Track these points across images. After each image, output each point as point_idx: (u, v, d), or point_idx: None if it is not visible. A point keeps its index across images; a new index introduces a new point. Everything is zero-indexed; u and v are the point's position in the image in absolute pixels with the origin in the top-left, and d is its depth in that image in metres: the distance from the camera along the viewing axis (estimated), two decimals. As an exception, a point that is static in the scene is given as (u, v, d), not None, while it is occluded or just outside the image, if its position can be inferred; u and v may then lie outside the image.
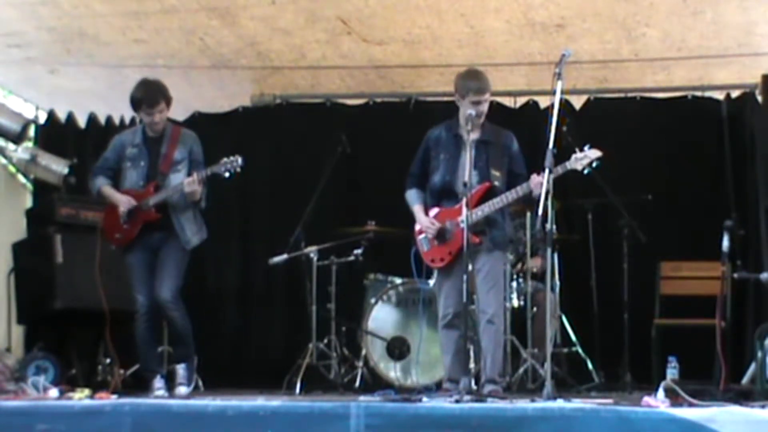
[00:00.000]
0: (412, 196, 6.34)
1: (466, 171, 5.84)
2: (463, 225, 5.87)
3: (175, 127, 6.81)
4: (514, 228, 7.62)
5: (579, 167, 5.92)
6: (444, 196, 6.19)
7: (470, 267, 5.78)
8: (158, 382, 6.54)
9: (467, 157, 5.92)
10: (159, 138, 6.69)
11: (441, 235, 6.14)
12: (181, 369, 6.59)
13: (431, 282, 6.67)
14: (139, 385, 7.02)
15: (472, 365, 6.55)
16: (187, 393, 6.49)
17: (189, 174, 6.61)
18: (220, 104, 8.62)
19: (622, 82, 8.30)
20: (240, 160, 6.51)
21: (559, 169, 5.84)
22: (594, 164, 5.93)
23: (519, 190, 6.01)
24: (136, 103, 6.61)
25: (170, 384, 6.59)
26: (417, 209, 6.29)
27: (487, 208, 6.05)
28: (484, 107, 6.11)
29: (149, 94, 6.57)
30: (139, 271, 6.61)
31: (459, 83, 6.14)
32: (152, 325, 6.69)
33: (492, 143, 6.17)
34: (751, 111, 8.06)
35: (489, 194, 6.08)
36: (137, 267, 6.62)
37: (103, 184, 6.76)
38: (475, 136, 6.08)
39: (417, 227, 6.29)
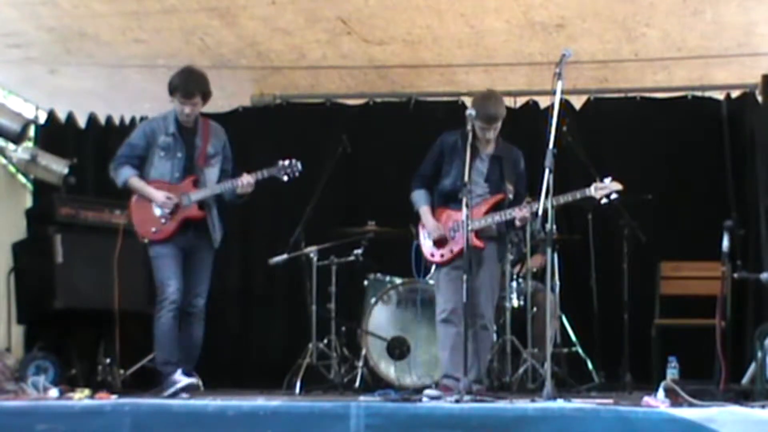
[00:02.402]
0: (420, 197, 6.41)
1: (480, 179, 6.04)
2: (469, 228, 6.01)
3: (204, 120, 6.53)
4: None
5: (597, 196, 6.11)
6: (452, 199, 6.27)
7: (470, 267, 5.83)
8: (180, 375, 6.13)
9: (479, 166, 6.16)
10: (193, 129, 6.43)
11: (444, 240, 6.27)
12: None
13: (429, 280, 6.72)
14: (139, 385, 7.02)
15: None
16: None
17: (222, 169, 6.45)
18: (220, 104, 8.57)
19: (622, 82, 8.30)
20: (299, 165, 6.40)
21: (578, 194, 6.09)
22: (612, 196, 6.10)
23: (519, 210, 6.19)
24: (172, 88, 6.31)
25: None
26: (425, 210, 6.37)
27: (496, 218, 6.19)
28: (491, 135, 6.23)
29: (186, 85, 6.29)
30: (172, 262, 6.28)
31: (473, 104, 6.23)
32: (178, 315, 6.26)
33: (505, 158, 6.33)
34: (751, 111, 8.06)
35: (500, 205, 6.24)
36: (169, 258, 6.28)
37: (130, 176, 6.38)
38: (489, 150, 6.27)
39: (421, 223, 6.39)
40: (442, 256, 6.28)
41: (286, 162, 6.41)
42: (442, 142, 6.39)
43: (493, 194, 6.26)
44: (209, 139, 6.47)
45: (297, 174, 6.43)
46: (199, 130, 6.46)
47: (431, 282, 6.85)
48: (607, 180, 6.14)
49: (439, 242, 6.28)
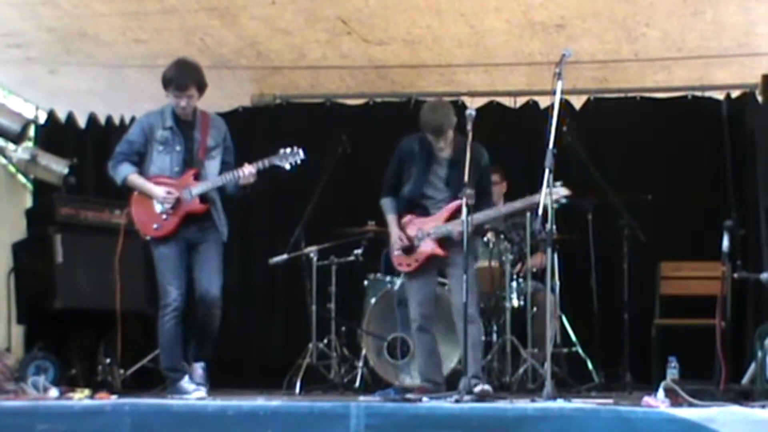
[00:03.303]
0: (387, 205, 6.44)
1: (441, 183, 6.04)
2: (432, 236, 6.19)
3: (203, 112, 6.40)
4: (513, 226, 7.69)
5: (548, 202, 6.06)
6: (414, 206, 6.34)
7: (448, 269, 5.94)
8: (189, 383, 6.14)
9: (438, 171, 6.16)
10: (191, 122, 6.31)
11: (409, 249, 6.29)
12: (200, 368, 6.24)
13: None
14: (139, 385, 7.02)
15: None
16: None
17: (224, 161, 6.36)
18: (220, 104, 8.58)
19: (622, 82, 8.30)
20: (301, 152, 6.33)
21: (527, 201, 6.18)
22: (563, 200, 6.15)
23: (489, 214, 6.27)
24: (166, 82, 6.21)
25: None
26: (391, 219, 6.40)
27: (455, 225, 6.14)
28: (442, 144, 6.20)
29: (180, 77, 6.19)
30: (175, 263, 6.18)
31: (420, 117, 6.23)
32: (181, 321, 6.16)
33: (464, 160, 6.17)
34: (751, 111, 8.06)
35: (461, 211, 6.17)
36: (172, 259, 6.18)
37: (130, 173, 6.26)
38: (447, 154, 6.21)
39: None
40: (409, 265, 6.32)
41: (288, 149, 6.35)
42: (401, 149, 6.39)
43: (453, 199, 6.19)
44: (208, 131, 6.36)
45: (299, 161, 6.35)
46: (197, 122, 6.35)
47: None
48: (558, 184, 6.03)
49: (406, 251, 6.29)
